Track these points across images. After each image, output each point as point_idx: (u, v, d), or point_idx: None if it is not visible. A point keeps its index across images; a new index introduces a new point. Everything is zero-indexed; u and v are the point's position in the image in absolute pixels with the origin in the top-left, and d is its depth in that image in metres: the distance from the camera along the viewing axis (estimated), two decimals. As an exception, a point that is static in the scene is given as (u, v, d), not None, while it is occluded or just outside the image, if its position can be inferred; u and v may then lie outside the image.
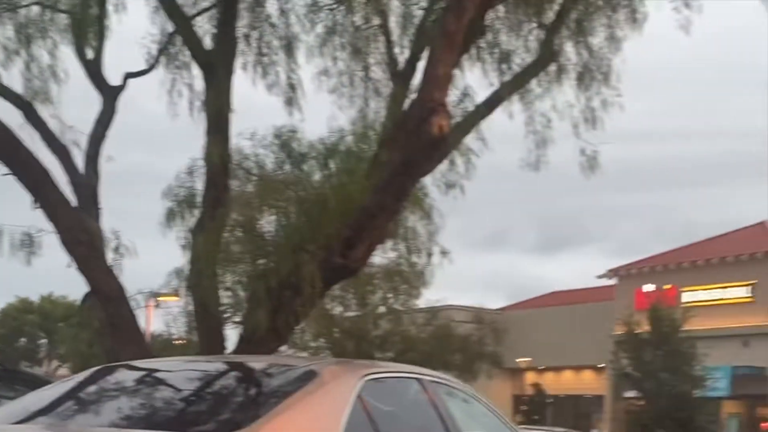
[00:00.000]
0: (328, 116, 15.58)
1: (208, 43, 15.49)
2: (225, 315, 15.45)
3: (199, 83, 15.65)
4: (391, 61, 15.80)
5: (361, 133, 14.89)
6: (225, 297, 15.42)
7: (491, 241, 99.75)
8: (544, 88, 16.18)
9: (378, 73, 16.12)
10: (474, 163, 15.64)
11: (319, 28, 16.14)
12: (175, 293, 22.88)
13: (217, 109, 14.57)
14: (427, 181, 15.12)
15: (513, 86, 15.79)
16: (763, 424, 49.34)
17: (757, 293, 48.78)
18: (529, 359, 58.53)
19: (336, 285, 15.32)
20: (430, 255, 17.97)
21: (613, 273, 55.04)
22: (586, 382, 58.40)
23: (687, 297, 48.93)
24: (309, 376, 6.09)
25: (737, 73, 77.01)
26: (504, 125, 16.34)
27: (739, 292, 49.60)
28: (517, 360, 58.12)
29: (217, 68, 14.79)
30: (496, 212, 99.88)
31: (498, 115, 15.79)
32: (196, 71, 15.71)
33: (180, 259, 15.75)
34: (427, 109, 11.43)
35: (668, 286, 49.03)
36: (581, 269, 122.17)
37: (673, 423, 43.57)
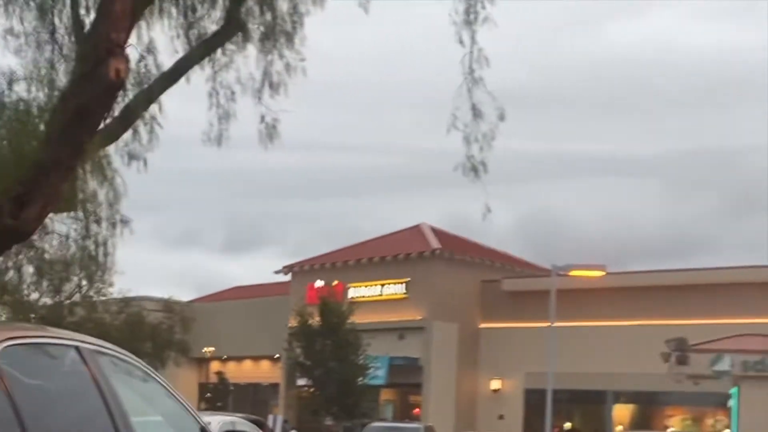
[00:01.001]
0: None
1: None
2: None
3: None
4: (77, 23, 12.86)
5: (38, 81, 12.17)
6: None
7: (181, 239, 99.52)
8: (228, 58, 13.83)
9: (64, 35, 13.24)
10: (157, 134, 13.28)
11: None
12: None
13: None
14: (111, 149, 12.83)
15: (198, 55, 13.41)
16: (415, 411, 48.37)
17: (411, 290, 47.73)
18: (213, 349, 56.22)
19: (6, 250, 12.58)
20: (113, 224, 15.67)
21: (287, 269, 53.05)
22: (264, 371, 56.44)
23: (352, 292, 47.52)
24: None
25: (413, 90, 77.65)
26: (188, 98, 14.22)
27: (395, 289, 48.50)
28: (204, 350, 55.82)
29: None
30: (186, 213, 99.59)
31: (183, 87, 13.40)
32: None
33: None
34: (103, 50, 9.19)
35: (336, 282, 47.56)
36: (262, 267, 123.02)
37: (340, 408, 42.59)
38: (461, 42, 11.22)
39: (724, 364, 27.23)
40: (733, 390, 28.12)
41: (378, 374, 46.30)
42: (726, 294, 40.44)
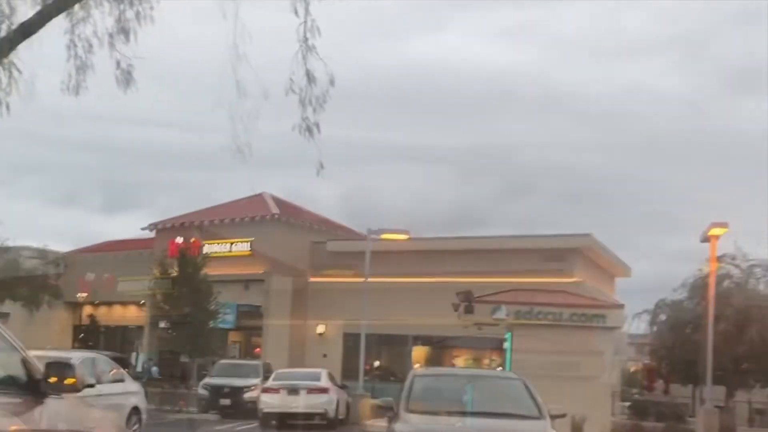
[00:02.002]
0: None
1: None
2: None
3: None
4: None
5: None
6: None
7: (61, 199, 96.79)
8: (86, 11, 12.65)
9: None
10: (17, 80, 12.07)
11: None
12: None
13: None
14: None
15: (55, 8, 12.18)
16: (257, 350, 48.39)
17: (255, 248, 47.93)
18: (86, 294, 54.87)
19: None
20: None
21: (152, 226, 52.63)
22: (131, 315, 55.30)
23: (207, 248, 47.04)
24: None
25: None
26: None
27: (242, 247, 48.53)
28: (78, 295, 54.54)
29: None
30: (67, 176, 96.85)
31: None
32: None
33: None
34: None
35: (193, 240, 47.03)
36: (132, 225, 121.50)
37: (194, 347, 42.13)
38: (296, 13, 10.75)
39: (502, 313, 27.86)
40: (507, 334, 28.80)
41: (227, 319, 46.29)
42: (502, 257, 42.02)
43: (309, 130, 10.80)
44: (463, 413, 12.11)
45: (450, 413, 12.12)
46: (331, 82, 10.29)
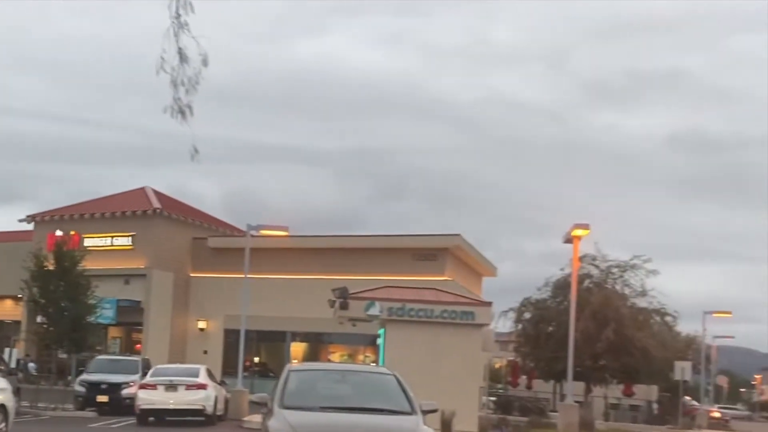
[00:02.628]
0: None
1: None
2: None
3: None
4: None
5: None
6: None
7: None
8: None
9: None
10: None
11: None
12: None
13: None
14: None
15: None
16: (137, 346, 46.80)
17: (136, 243, 46.45)
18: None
19: None
20: None
21: (30, 218, 50.32)
22: (8, 309, 53.09)
23: (87, 242, 45.01)
24: None
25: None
26: None
27: (123, 241, 46.96)
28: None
29: None
30: None
31: None
32: None
33: None
34: None
35: (73, 232, 45.26)
36: (12, 217, 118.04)
37: (71, 342, 40.27)
38: None
39: (375, 310, 27.63)
40: (381, 330, 28.59)
41: (107, 314, 44.29)
42: (377, 255, 41.90)
43: (182, 112, 9.74)
44: (337, 409, 11.57)
45: (324, 409, 11.55)
46: (204, 62, 9.42)
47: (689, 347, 61.67)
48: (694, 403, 61.56)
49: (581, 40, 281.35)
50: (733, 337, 69.08)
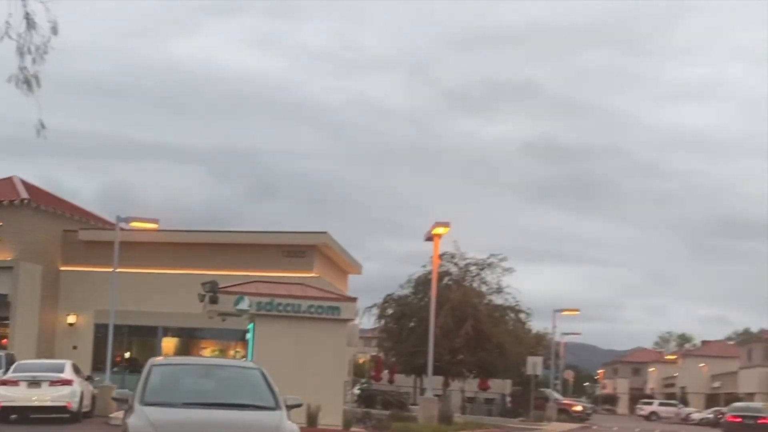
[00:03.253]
0: None
1: None
2: None
3: None
4: None
5: None
6: None
7: None
8: None
9: None
10: None
11: None
12: None
13: None
14: None
15: None
16: (3, 341, 43.56)
17: (2, 234, 43.23)
18: None
19: None
20: None
21: None
22: None
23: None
24: None
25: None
26: None
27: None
28: None
29: None
30: None
31: None
32: None
33: None
34: None
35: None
36: None
37: None
38: None
39: (245, 304, 26.97)
40: (250, 325, 27.89)
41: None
42: (247, 251, 41.02)
43: (27, 82, 8.87)
44: (200, 405, 10.91)
45: (186, 405, 10.86)
46: (54, 30, 8.55)
47: (539, 343, 62.91)
48: (559, 397, 62.62)
49: (442, 49, 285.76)
50: (579, 333, 70.89)
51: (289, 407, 11.33)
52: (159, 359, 12.73)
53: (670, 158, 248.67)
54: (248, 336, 28.65)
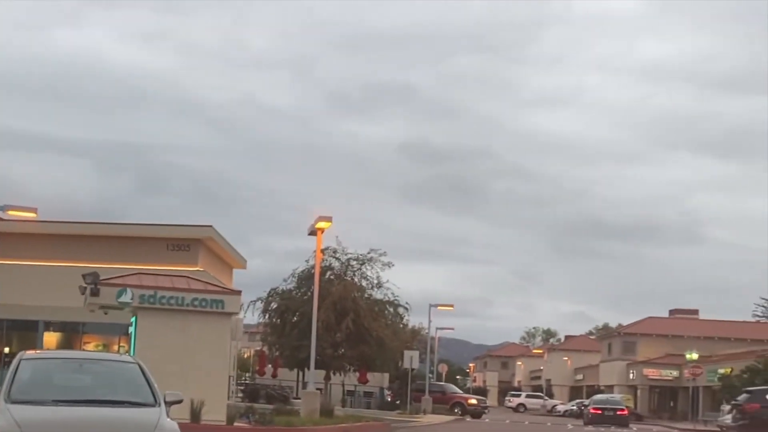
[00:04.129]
0: None
1: None
2: None
3: None
4: None
5: None
6: None
7: None
8: None
9: None
10: None
11: None
12: None
13: None
14: None
15: None
16: None
17: None
18: None
19: None
20: None
21: None
22: None
23: None
24: None
25: None
26: None
27: None
28: None
29: None
30: None
31: None
32: None
33: None
34: None
35: None
36: None
37: None
38: None
39: (127, 297, 25.43)
40: (133, 318, 26.36)
41: None
42: (131, 244, 39.15)
43: None
44: (72, 402, 9.72)
45: (57, 402, 9.65)
46: None
47: (414, 338, 62.78)
48: (458, 391, 62.37)
49: (325, 51, 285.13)
50: (453, 328, 71.20)
51: (169, 403, 10.30)
52: (30, 353, 11.38)
53: (536, 162, 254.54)
54: (131, 329, 27.12)
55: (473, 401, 58.50)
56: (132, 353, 24.40)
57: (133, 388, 10.30)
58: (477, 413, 55.52)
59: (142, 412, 9.78)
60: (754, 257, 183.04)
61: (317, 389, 32.23)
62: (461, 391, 62.82)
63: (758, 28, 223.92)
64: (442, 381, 64.79)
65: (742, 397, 30.21)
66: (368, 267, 44.91)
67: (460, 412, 53.42)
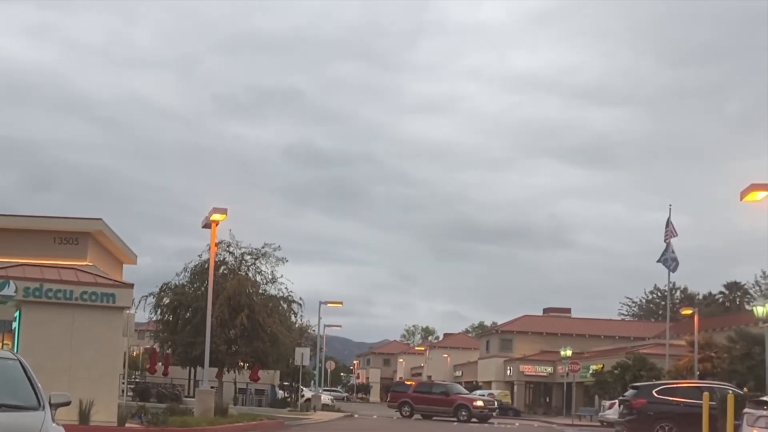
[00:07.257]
0: None
1: None
2: None
3: None
4: None
5: None
6: None
7: None
8: None
9: None
10: None
11: None
12: None
13: None
14: None
15: None
16: None
17: None
18: None
19: None
20: None
21: None
22: None
23: None
24: None
25: None
26: None
27: None
28: None
29: None
30: None
31: None
32: None
33: None
34: None
35: None
36: None
37: None
38: None
39: (10, 290, 22.86)
40: (17, 313, 23.73)
41: None
42: (15, 237, 35.40)
43: None
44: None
45: None
46: None
47: (302, 335, 60.80)
48: (463, 391, 59.84)
49: (211, 52, 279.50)
50: (341, 326, 69.70)
51: (55, 405, 8.39)
52: None
53: (414, 167, 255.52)
54: (15, 325, 24.46)
55: (479, 403, 48.62)
56: (16, 350, 21.84)
57: (13, 390, 8.31)
58: (484, 417, 47.25)
59: (24, 416, 7.85)
60: (617, 261, 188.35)
61: (211, 387, 30.16)
62: (466, 391, 54.70)
63: (616, 44, 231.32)
64: (326, 378, 62.87)
65: (630, 392, 29.63)
66: (262, 262, 42.73)
67: (465, 416, 46.60)
